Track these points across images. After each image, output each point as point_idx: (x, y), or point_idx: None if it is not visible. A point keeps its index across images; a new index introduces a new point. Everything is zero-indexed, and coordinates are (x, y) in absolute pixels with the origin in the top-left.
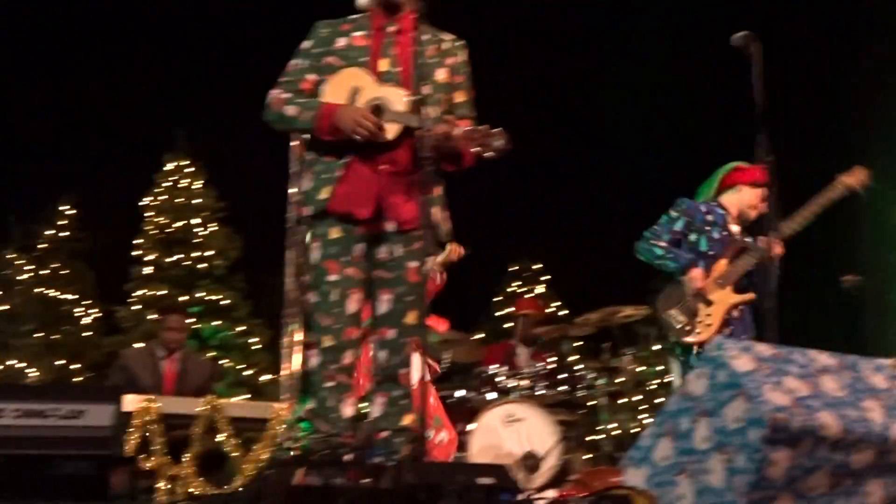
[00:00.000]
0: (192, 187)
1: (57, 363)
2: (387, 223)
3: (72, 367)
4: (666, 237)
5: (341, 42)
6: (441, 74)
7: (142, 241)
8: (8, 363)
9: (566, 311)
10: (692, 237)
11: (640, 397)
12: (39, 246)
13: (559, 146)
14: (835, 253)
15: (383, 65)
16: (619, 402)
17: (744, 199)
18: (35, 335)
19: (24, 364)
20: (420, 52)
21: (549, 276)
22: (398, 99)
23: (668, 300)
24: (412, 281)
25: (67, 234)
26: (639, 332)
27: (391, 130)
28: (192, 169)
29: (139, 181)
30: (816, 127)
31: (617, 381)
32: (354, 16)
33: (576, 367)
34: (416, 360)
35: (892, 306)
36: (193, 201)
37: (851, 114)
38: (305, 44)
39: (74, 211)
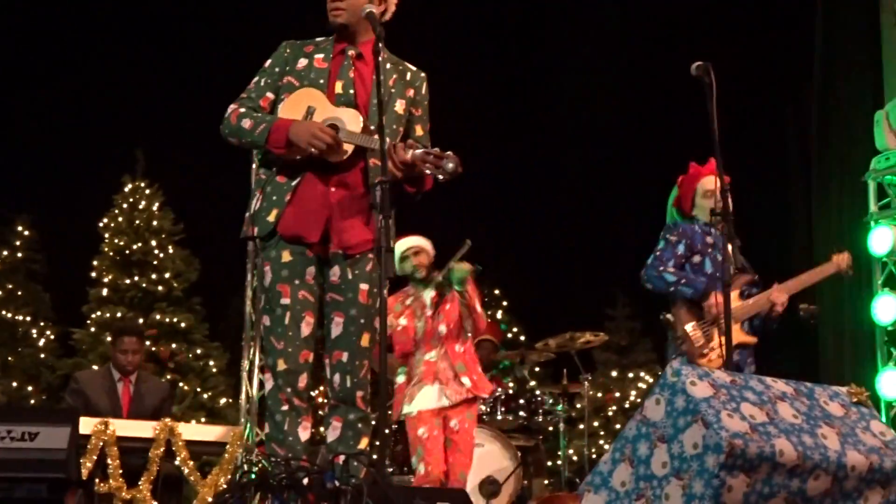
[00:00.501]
0: (151, 209)
1: (12, 385)
2: (333, 247)
3: (27, 389)
4: (671, 263)
5: (302, 63)
6: (399, 105)
7: (99, 262)
8: None
9: (524, 337)
10: (696, 259)
11: (598, 423)
12: None
13: (517, 169)
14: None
15: (338, 87)
16: (578, 427)
17: (703, 207)
18: None
19: None
20: (379, 80)
21: (507, 302)
22: (353, 120)
23: (685, 312)
24: (364, 303)
25: (23, 254)
26: (597, 358)
27: (345, 151)
28: (150, 191)
29: (97, 202)
30: (771, 152)
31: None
32: (321, 38)
33: (535, 393)
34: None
35: (847, 335)
36: (152, 223)
37: (801, 141)
38: (268, 62)
39: (30, 232)
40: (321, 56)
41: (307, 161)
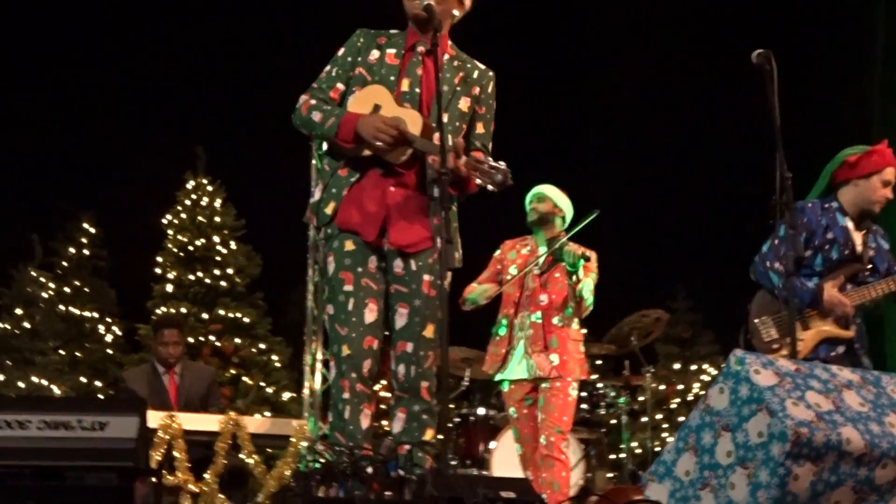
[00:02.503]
0: (213, 205)
1: (80, 380)
2: (390, 242)
3: (94, 384)
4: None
5: (374, 55)
6: (463, 103)
7: (163, 258)
8: (31, 380)
9: (585, 331)
10: (807, 253)
11: (661, 416)
12: (62, 264)
13: (572, 161)
14: None
15: (405, 84)
16: (641, 420)
17: (862, 193)
18: (58, 352)
19: (47, 381)
20: (443, 77)
21: None
22: (414, 122)
23: (763, 305)
24: (427, 294)
25: (89, 252)
26: (659, 350)
27: (401, 154)
28: (212, 187)
29: (160, 199)
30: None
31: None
32: (395, 31)
33: (597, 386)
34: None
35: None
36: (214, 219)
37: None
38: (340, 50)
39: (95, 229)
40: (393, 51)
41: (370, 159)
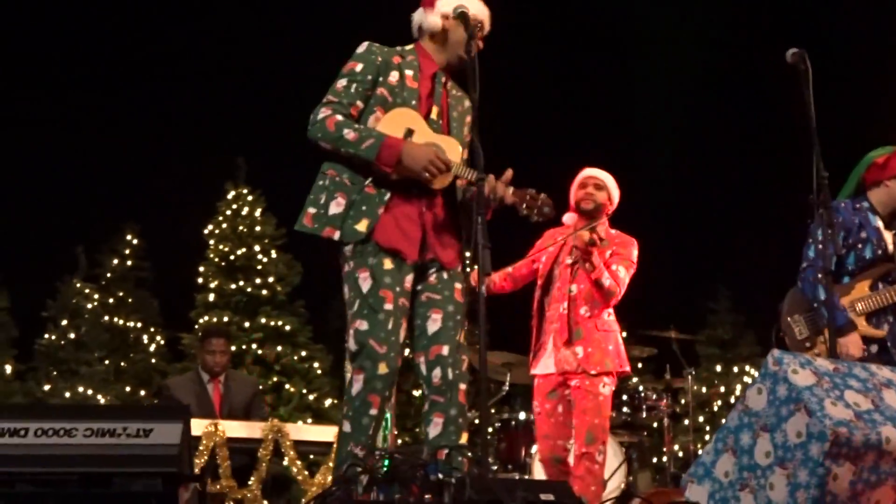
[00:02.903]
0: (254, 215)
1: (125, 390)
2: (430, 255)
3: (139, 393)
4: (832, 264)
5: (394, 77)
6: (465, 131)
7: (205, 268)
8: (77, 390)
9: (626, 333)
10: (824, 250)
11: (703, 418)
12: (106, 275)
13: (614, 162)
14: None
15: (434, 113)
16: (683, 423)
17: (892, 194)
18: (103, 363)
19: (92, 391)
20: (453, 106)
21: None
22: (453, 149)
23: (795, 303)
24: (459, 301)
25: (132, 262)
26: (700, 352)
27: (444, 180)
28: (253, 197)
29: (201, 209)
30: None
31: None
32: (402, 48)
33: (638, 388)
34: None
35: None
36: (255, 229)
37: None
38: (357, 66)
39: (138, 240)
40: (411, 74)
41: (399, 180)
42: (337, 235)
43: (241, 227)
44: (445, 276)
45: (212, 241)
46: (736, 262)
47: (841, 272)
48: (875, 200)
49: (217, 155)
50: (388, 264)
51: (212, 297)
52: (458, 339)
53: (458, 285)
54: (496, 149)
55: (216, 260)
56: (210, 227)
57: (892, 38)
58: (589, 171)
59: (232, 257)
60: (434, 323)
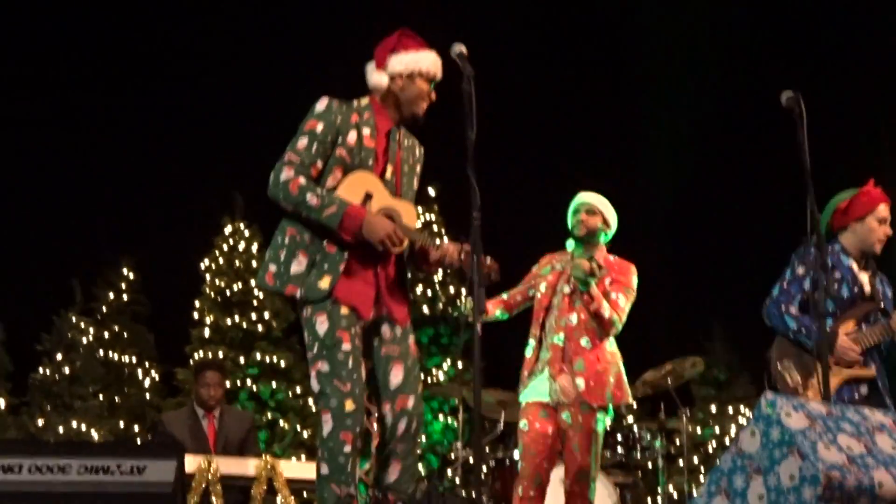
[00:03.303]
0: (250, 250)
1: (119, 425)
2: (383, 313)
3: (133, 429)
4: (797, 301)
5: (352, 137)
6: (415, 183)
7: (200, 303)
8: (71, 425)
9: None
10: (817, 295)
11: (698, 459)
12: (101, 309)
13: (610, 197)
14: None
15: (388, 172)
16: (678, 463)
17: (861, 236)
18: (97, 397)
19: (86, 426)
20: (405, 159)
21: None
22: (410, 214)
23: (783, 349)
24: (415, 355)
25: (128, 296)
26: (695, 392)
27: (403, 246)
28: (249, 232)
29: (198, 244)
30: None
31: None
32: (359, 103)
33: (632, 429)
34: None
35: None
36: (251, 264)
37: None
38: (318, 126)
39: (134, 274)
40: (368, 132)
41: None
42: (300, 293)
43: (237, 262)
44: (399, 331)
45: (208, 276)
46: (731, 302)
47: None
48: (845, 244)
49: (214, 189)
50: (343, 310)
51: (207, 332)
52: (419, 391)
53: (411, 340)
54: (500, 174)
55: (212, 295)
56: (206, 261)
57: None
58: (581, 196)
59: (228, 292)
60: (396, 376)
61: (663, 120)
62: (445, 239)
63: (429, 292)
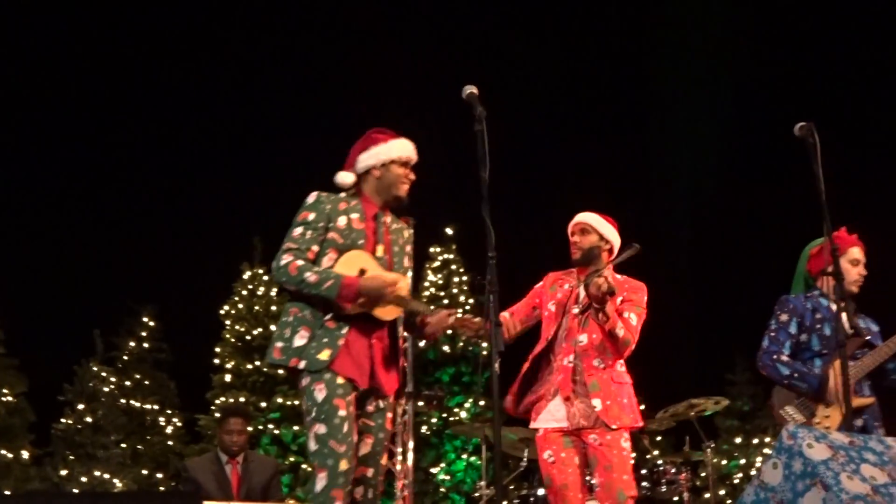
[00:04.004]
0: (269, 294)
1: (142, 473)
2: (374, 386)
3: (156, 476)
4: (787, 348)
5: (342, 221)
6: (406, 261)
7: (221, 349)
8: (94, 474)
9: (643, 406)
10: (803, 337)
11: (724, 492)
12: (123, 357)
13: (632, 233)
14: None
15: (379, 251)
16: (704, 496)
17: (843, 266)
18: (120, 446)
19: (109, 475)
20: (394, 241)
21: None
22: (402, 286)
23: (784, 394)
24: (389, 429)
25: (149, 345)
26: (719, 424)
27: (394, 312)
28: (268, 277)
29: (217, 290)
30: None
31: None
32: (345, 195)
33: (657, 463)
34: None
35: None
36: (270, 308)
37: None
38: (310, 216)
39: (155, 322)
40: (356, 216)
41: (353, 314)
42: (302, 364)
43: (256, 307)
44: (382, 405)
45: (228, 322)
46: (753, 332)
47: (809, 356)
48: (824, 288)
49: (232, 236)
50: (340, 380)
51: (228, 377)
52: (382, 462)
53: (389, 415)
54: (519, 204)
55: (232, 340)
56: (226, 307)
57: None
58: (576, 218)
59: (248, 337)
60: (365, 447)
61: (685, 151)
62: (464, 277)
63: (449, 331)
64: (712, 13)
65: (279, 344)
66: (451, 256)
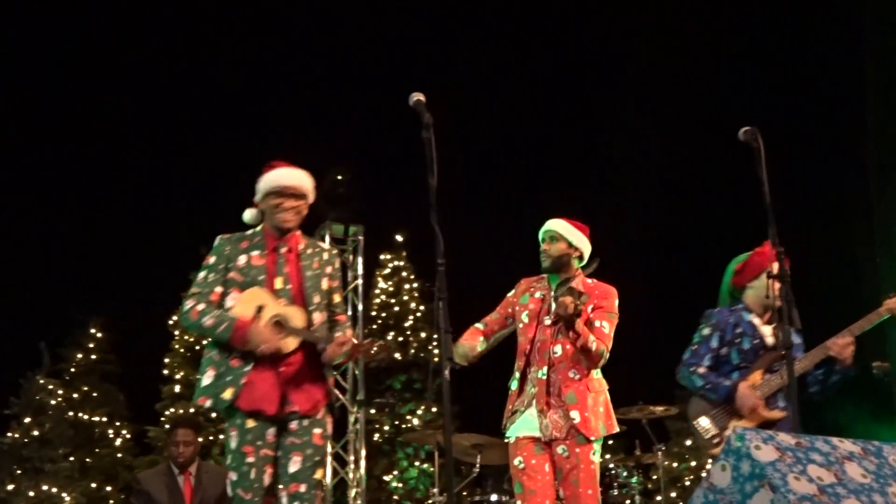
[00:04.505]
0: None
1: (91, 486)
2: (291, 409)
3: (105, 489)
4: (707, 361)
5: (242, 260)
6: (324, 283)
7: (170, 359)
8: (42, 489)
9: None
10: (724, 351)
11: (675, 494)
12: (70, 370)
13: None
14: (864, 340)
15: (278, 283)
16: (655, 499)
17: (759, 293)
18: (68, 459)
19: (57, 489)
20: (307, 266)
21: None
22: (297, 316)
23: (698, 407)
24: (318, 444)
25: (97, 356)
26: (670, 427)
27: (292, 343)
28: None
29: (166, 300)
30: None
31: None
32: (250, 232)
33: (609, 466)
34: None
35: None
36: None
37: (861, 190)
38: (211, 259)
39: (103, 333)
40: (257, 253)
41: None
42: (208, 403)
43: None
44: (306, 423)
45: (177, 332)
46: None
47: (728, 370)
48: (748, 302)
49: (181, 245)
50: (250, 423)
51: (178, 388)
52: (316, 477)
53: (316, 431)
54: (475, 206)
55: (182, 350)
56: (175, 317)
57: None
58: (545, 225)
59: (198, 347)
60: (294, 464)
61: (632, 157)
62: (415, 284)
63: (400, 338)
64: (663, 20)
65: (198, 384)
66: (402, 263)
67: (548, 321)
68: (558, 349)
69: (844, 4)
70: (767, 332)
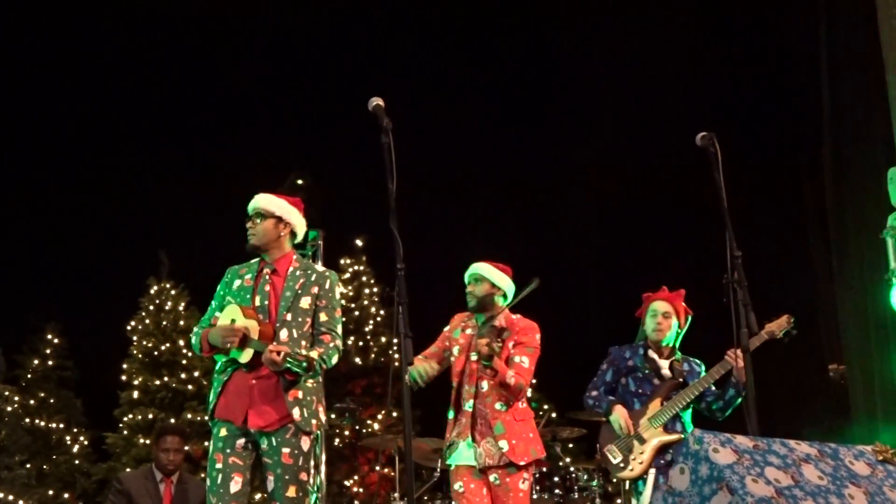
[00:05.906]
0: (177, 309)
1: (48, 494)
2: (252, 427)
3: (63, 496)
4: (600, 388)
5: (236, 284)
6: (304, 302)
7: (128, 365)
8: None
9: (555, 414)
10: (622, 381)
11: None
12: (26, 376)
13: (545, 246)
14: (821, 343)
15: (257, 301)
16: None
17: (647, 330)
18: (25, 466)
19: (14, 497)
20: (289, 286)
21: (536, 380)
22: (258, 332)
23: (605, 436)
24: (288, 462)
25: (53, 362)
26: None
27: (248, 354)
28: (176, 291)
29: (124, 305)
30: (788, 217)
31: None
32: (253, 260)
33: (569, 470)
34: None
35: (876, 391)
36: (179, 323)
37: (818, 203)
38: (218, 289)
39: (59, 339)
40: (249, 276)
41: (235, 362)
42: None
43: (164, 322)
44: (274, 441)
45: (135, 338)
46: None
47: (629, 399)
48: (647, 332)
49: (138, 249)
50: (222, 432)
51: (136, 394)
52: (289, 495)
53: (285, 450)
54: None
55: (140, 356)
56: (133, 322)
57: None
58: (470, 269)
59: (156, 353)
60: (269, 483)
61: (590, 162)
62: (375, 289)
63: (360, 343)
64: (624, 23)
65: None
66: (362, 268)
67: (473, 357)
68: (484, 384)
69: (800, 6)
70: (665, 365)
